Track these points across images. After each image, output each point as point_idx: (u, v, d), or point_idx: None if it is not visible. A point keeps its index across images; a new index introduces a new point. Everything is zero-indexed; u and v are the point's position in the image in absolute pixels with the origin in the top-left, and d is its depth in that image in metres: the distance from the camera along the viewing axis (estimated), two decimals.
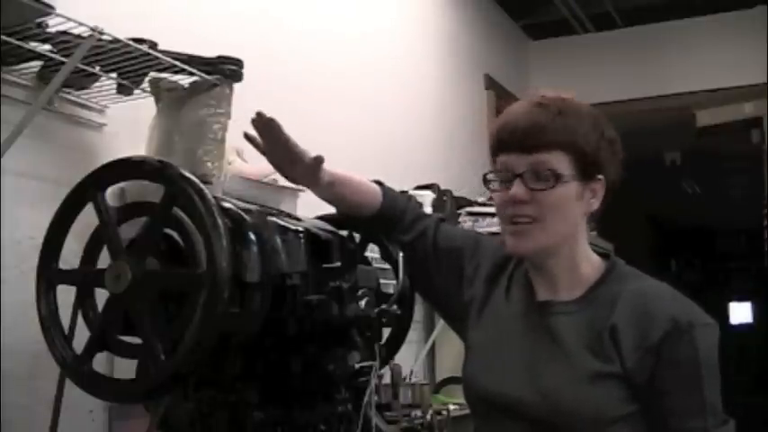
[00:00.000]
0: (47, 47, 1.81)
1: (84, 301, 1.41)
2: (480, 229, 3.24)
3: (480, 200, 3.60)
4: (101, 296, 1.37)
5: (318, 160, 1.44)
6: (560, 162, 1.33)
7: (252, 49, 2.28)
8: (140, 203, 1.41)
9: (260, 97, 2.33)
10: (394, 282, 1.59)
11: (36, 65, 1.88)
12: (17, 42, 1.76)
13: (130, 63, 1.90)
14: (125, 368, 1.40)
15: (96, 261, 1.41)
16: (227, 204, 1.41)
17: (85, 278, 1.41)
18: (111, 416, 2.00)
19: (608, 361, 1.30)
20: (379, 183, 1.59)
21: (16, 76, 1.88)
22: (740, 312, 10.02)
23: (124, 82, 1.97)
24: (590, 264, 1.41)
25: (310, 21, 3.08)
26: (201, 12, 2.50)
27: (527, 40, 5.41)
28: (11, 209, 1.84)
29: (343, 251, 1.52)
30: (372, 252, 1.70)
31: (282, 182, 1.63)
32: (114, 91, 2.01)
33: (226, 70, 1.97)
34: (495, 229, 3.16)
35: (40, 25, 1.76)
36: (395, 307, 1.52)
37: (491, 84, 4.72)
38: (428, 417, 2.91)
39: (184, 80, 1.99)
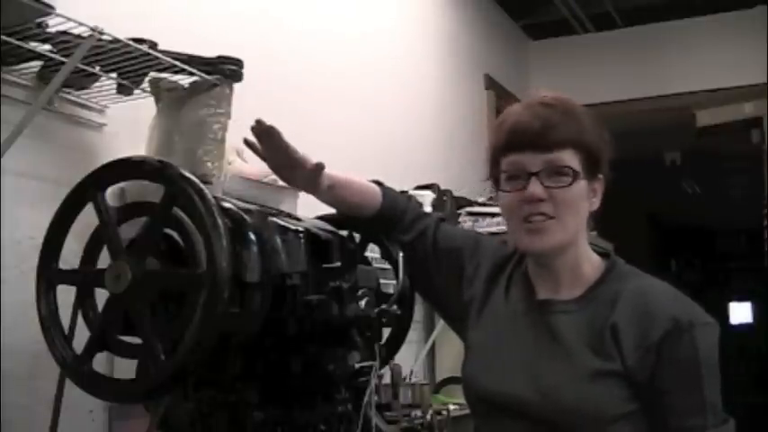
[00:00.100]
0: (47, 47, 1.81)
1: (84, 301, 1.41)
2: (480, 229, 3.24)
3: (480, 200, 3.60)
4: (101, 296, 1.37)
5: (319, 167, 1.44)
6: (572, 160, 1.35)
7: (252, 49, 2.28)
8: (140, 203, 1.41)
9: (260, 97, 2.34)
10: (394, 282, 1.59)
11: (36, 65, 1.88)
12: (17, 42, 1.76)
13: (130, 63, 1.90)
14: (125, 368, 1.40)
15: (96, 261, 1.41)
16: (227, 204, 1.41)
17: (85, 278, 1.41)
18: (111, 416, 2.00)
19: (609, 359, 1.31)
20: (378, 183, 1.59)
21: (16, 76, 1.88)
22: (740, 312, 10.01)
23: (124, 82, 1.97)
24: (590, 263, 1.42)
25: (310, 21, 3.08)
26: (201, 12, 2.50)
27: (527, 40, 5.41)
28: (11, 209, 1.84)
29: (343, 251, 1.52)
30: (372, 252, 1.70)
31: (282, 182, 1.63)
32: (114, 91, 2.01)
33: (226, 70, 1.97)
34: (495, 229, 3.21)
35: (40, 25, 1.76)
36: (395, 307, 1.52)
37: (491, 84, 4.72)
38: (428, 417, 2.91)
39: (184, 80, 1.99)
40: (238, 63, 2.00)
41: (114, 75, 1.95)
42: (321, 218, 1.63)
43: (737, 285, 9.92)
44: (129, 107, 2.07)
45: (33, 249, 1.46)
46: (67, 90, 1.96)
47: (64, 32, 1.78)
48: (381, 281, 1.59)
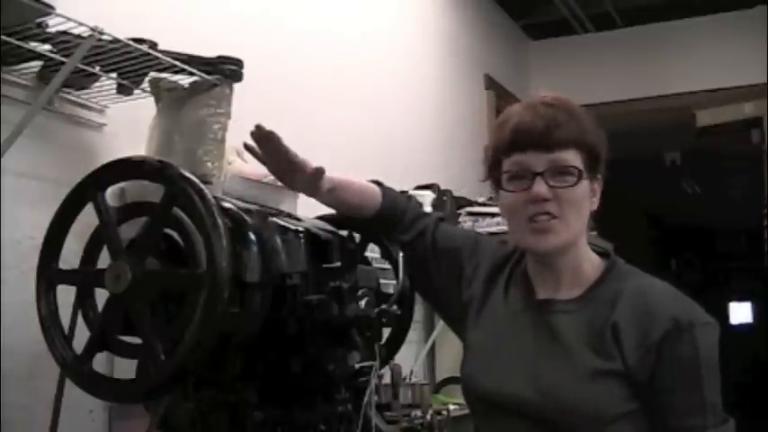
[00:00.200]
0: (47, 47, 1.81)
1: (84, 301, 1.41)
2: (480, 229, 3.24)
3: (480, 200, 3.60)
4: (101, 296, 1.37)
5: (319, 171, 1.43)
6: (575, 159, 1.35)
7: (252, 49, 2.28)
8: (140, 203, 1.41)
9: (260, 97, 2.34)
10: (394, 282, 1.59)
11: (36, 65, 1.88)
12: (17, 42, 1.76)
13: (130, 63, 1.90)
14: (125, 368, 1.40)
15: (96, 261, 1.41)
16: (227, 204, 1.41)
17: (85, 278, 1.41)
18: (111, 416, 2.00)
19: (609, 358, 1.31)
20: (378, 183, 1.59)
21: (16, 76, 1.88)
22: (740, 312, 10.02)
23: (124, 82, 1.97)
24: (590, 263, 1.42)
25: (310, 21, 3.08)
26: (201, 12, 2.50)
27: (527, 40, 5.41)
28: (11, 209, 1.84)
29: (343, 251, 1.52)
30: (372, 252, 1.70)
31: None
32: (114, 91, 2.01)
33: (226, 70, 1.97)
34: (495, 229, 3.21)
35: (40, 25, 1.76)
36: (395, 307, 1.52)
37: (491, 84, 4.72)
38: (428, 417, 2.91)
39: (184, 80, 1.99)
40: (238, 63, 2.00)
41: (114, 75, 1.95)
42: (321, 218, 1.63)
43: (737, 285, 9.92)
44: (129, 107, 2.07)
45: (33, 249, 1.46)
46: (67, 90, 1.96)
47: (64, 32, 1.78)
48: (381, 281, 1.59)
